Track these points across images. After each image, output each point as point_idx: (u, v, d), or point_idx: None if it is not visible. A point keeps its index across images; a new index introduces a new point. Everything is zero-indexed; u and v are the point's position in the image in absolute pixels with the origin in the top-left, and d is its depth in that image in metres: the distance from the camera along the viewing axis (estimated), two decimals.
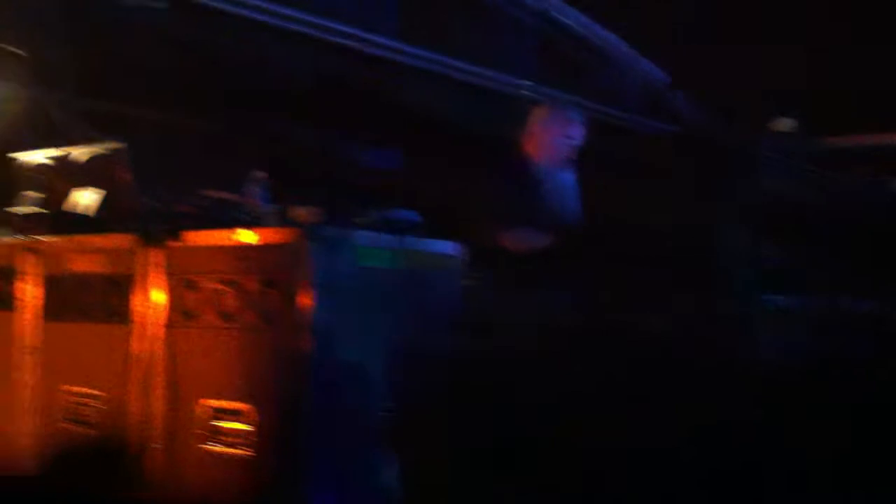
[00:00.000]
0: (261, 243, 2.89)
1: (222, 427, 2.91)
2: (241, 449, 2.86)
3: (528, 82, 7.32)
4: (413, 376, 3.04)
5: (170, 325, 3.06)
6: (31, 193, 3.79)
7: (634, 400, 3.24)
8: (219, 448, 2.91)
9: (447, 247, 3.33)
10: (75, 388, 3.30)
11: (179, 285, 3.05)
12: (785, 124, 8.11)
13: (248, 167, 3.50)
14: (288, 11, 5.93)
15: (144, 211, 3.34)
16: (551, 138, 4.06)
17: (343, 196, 3.35)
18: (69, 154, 3.78)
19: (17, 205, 3.80)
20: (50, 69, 5.58)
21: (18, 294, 3.51)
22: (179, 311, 3.05)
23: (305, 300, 2.78)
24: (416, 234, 3.24)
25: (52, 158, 3.84)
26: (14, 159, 3.95)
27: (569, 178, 4.13)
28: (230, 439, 2.88)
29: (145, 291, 3.11)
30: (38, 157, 3.89)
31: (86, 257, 3.35)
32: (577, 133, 4.09)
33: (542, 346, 3.34)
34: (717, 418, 3.23)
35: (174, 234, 3.08)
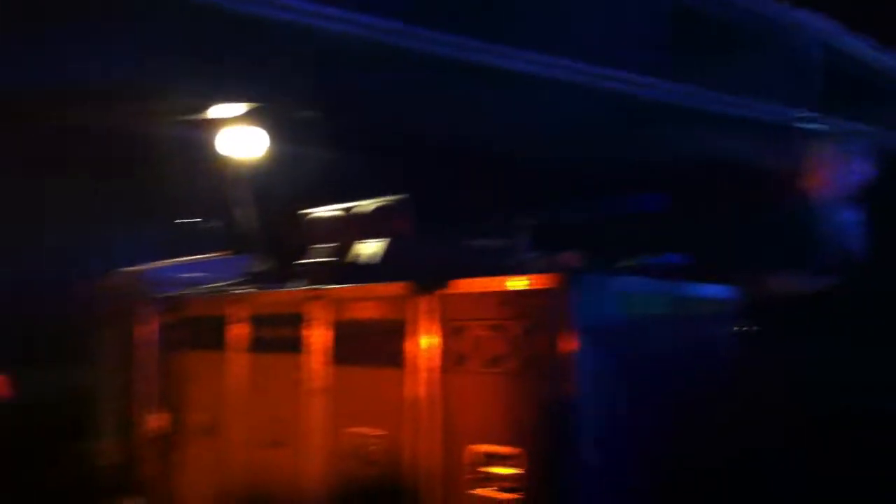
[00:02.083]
0: (525, 289, 2.91)
1: (493, 472, 2.92)
2: (512, 493, 2.86)
3: (804, 113, 6.90)
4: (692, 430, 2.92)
5: (440, 369, 3.14)
6: (320, 245, 4.11)
7: None
8: (490, 493, 2.92)
9: (720, 291, 3.19)
10: (359, 429, 3.43)
11: (449, 331, 3.13)
12: None
13: (515, 213, 3.58)
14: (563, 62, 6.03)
15: (419, 259, 3.50)
16: (831, 174, 3.80)
17: (609, 241, 3.32)
18: (355, 208, 4.06)
19: (308, 257, 4.12)
20: (342, 132, 6.06)
21: (306, 339, 3.75)
22: (448, 356, 3.12)
23: (569, 345, 2.77)
24: (686, 278, 3.13)
25: (338, 212, 4.14)
26: (305, 215, 4.31)
27: (851, 216, 3.82)
28: (501, 484, 2.89)
29: (418, 337, 3.23)
30: (326, 211, 4.22)
31: (366, 304, 3.50)
32: (860, 168, 3.80)
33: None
34: None
35: (444, 281, 3.19)
